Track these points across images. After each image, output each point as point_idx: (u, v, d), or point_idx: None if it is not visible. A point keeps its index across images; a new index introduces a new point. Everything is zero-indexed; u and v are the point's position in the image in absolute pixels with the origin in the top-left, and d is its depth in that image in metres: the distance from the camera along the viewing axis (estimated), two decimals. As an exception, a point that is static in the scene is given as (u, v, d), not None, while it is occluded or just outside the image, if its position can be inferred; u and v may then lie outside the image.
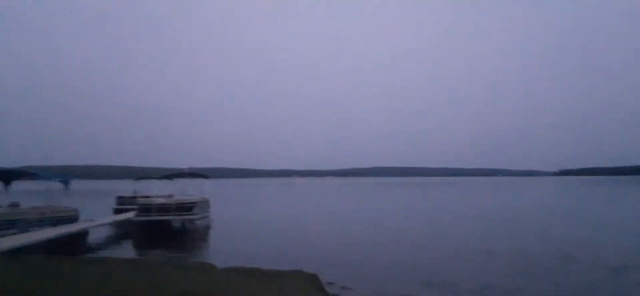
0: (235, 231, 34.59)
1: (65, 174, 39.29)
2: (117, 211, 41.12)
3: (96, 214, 37.98)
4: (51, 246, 23.26)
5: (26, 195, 37.41)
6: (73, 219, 32.01)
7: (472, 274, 18.57)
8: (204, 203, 37.94)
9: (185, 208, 33.91)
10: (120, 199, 44.38)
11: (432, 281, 17.31)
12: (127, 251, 26.24)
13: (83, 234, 28.15)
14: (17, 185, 31.00)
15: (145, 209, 33.52)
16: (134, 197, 43.01)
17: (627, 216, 42.21)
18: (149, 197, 41.04)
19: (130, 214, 35.10)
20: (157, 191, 47.32)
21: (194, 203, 34.74)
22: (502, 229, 33.07)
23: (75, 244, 26.32)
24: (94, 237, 29.97)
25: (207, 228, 35.92)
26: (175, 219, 33.92)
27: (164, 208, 33.62)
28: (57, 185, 33.70)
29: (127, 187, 60.58)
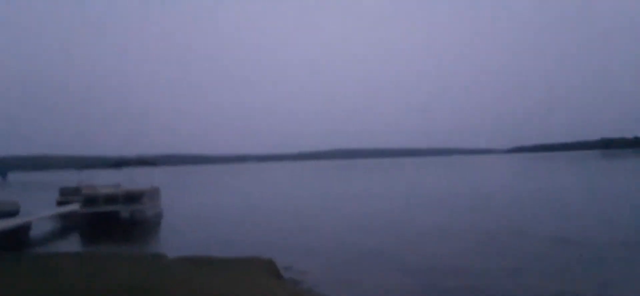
0: (188, 220, 33.97)
1: (3, 166, 37.16)
2: (61, 203, 39.43)
3: (38, 207, 36.37)
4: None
5: (-42, 189, 35.10)
6: (13, 212, 30.66)
7: (423, 254, 19.24)
8: (154, 192, 37.04)
9: (133, 197, 33.03)
10: (64, 191, 42.58)
11: (387, 262, 17.81)
12: (72, 244, 25.25)
13: (25, 228, 26.97)
14: None
15: (91, 200, 32.46)
16: (79, 188, 41.38)
17: (569, 192, 44.96)
18: (94, 187, 39.69)
19: (75, 206, 33.81)
20: (103, 180, 45.70)
21: (143, 192, 33.87)
22: (454, 209, 34.41)
23: (16, 239, 25.26)
24: (36, 231, 28.67)
25: (158, 218, 35.08)
26: (124, 210, 32.96)
27: (111, 199, 32.67)
28: (-7, 178, 31.84)
29: (70, 177, 58.03)
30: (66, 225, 32.30)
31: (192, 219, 34.03)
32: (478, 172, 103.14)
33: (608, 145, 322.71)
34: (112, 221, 32.34)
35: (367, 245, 21.35)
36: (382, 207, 37.74)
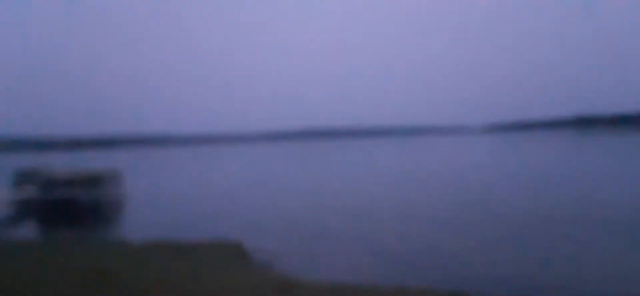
0: (152, 204, 33.44)
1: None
2: (16, 188, 37.88)
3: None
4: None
5: None
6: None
7: (392, 232, 19.72)
8: (116, 176, 36.12)
9: (94, 182, 32.11)
10: (19, 175, 40.82)
11: (357, 242, 18.16)
12: (30, 231, 24.45)
13: (-23, 215, 25.81)
14: None
15: (48, 184, 31.34)
16: (35, 171, 39.79)
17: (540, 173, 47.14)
18: (52, 170, 38.27)
19: (31, 191, 32.56)
20: (62, 163, 44.14)
21: (104, 176, 32.97)
22: (420, 191, 35.49)
23: None
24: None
25: (121, 202, 34.34)
26: (83, 195, 32.02)
27: (70, 183, 31.64)
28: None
29: (26, 159, 55.68)
30: (22, 211, 31.13)
31: (156, 204, 33.50)
32: (450, 155, 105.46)
33: (585, 122, 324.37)
34: (72, 206, 31.40)
35: (339, 227, 21.62)
36: (351, 189, 38.43)
